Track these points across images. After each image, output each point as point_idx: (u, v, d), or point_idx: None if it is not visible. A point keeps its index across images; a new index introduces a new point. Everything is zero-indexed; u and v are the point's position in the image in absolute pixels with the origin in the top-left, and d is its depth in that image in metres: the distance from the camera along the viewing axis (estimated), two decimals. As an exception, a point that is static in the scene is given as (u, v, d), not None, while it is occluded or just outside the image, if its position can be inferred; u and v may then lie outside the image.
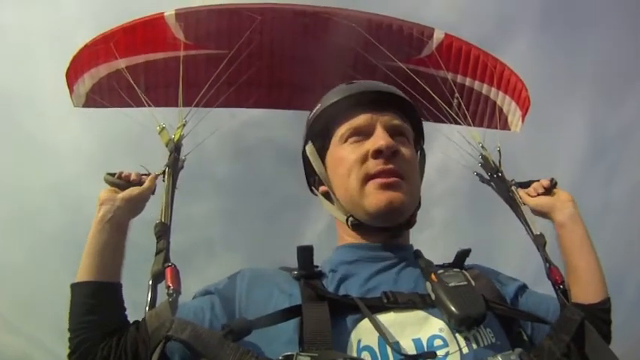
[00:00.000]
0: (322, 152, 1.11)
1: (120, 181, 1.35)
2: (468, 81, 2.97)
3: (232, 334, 0.78)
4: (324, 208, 1.14)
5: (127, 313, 1.15)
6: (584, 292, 1.25)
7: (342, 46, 2.66)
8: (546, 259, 1.42)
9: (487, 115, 3.03)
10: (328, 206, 1.11)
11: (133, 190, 1.34)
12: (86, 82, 2.91)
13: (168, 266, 1.18)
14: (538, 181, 1.56)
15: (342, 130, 1.06)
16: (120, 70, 2.71)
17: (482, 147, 2.13)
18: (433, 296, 0.84)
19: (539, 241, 1.51)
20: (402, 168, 0.98)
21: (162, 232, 1.33)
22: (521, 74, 2.92)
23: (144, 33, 2.78)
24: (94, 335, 1.04)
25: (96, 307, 1.09)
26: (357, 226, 1.03)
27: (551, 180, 1.51)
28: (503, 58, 2.93)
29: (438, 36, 2.93)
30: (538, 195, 1.50)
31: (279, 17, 2.63)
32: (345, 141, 1.05)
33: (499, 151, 2.08)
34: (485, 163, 2.03)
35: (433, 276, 0.87)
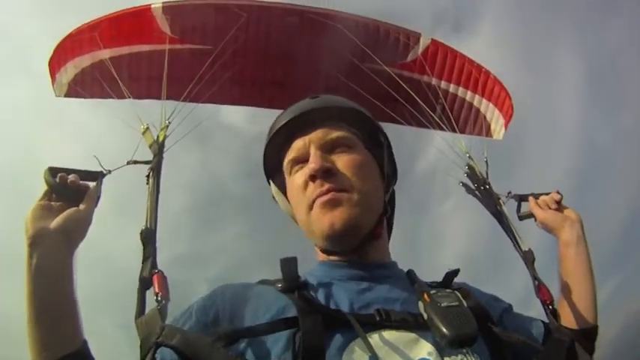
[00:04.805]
0: (283, 188, 1.10)
1: (60, 188, 1.12)
2: (452, 87, 3.00)
3: (221, 341, 0.77)
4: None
5: None
6: (575, 317, 1.25)
7: (328, 48, 2.67)
8: (535, 277, 1.37)
9: (470, 122, 3.06)
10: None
11: (69, 215, 1.06)
12: (69, 71, 2.89)
13: (156, 273, 1.12)
14: (536, 194, 1.55)
15: (285, 163, 1.07)
16: (103, 61, 2.68)
17: (469, 157, 2.07)
18: (425, 316, 0.83)
19: (528, 258, 1.46)
20: (343, 182, 0.96)
21: (148, 238, 1.27)
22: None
23: (130, 24, 2.76)
24: None
25: None
26: (327, 251, 1.02)
27: (558, 192, 1.50)
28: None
29: (425, 42, 2.96)
30: (549, 209, 1.48)
31: (266, 16, 2.62)
32: (291, 173, 1.05)
33: (486, 161, 2.03)
34: (472, 173, 1.96)
35: (426, 295, 0.85)
